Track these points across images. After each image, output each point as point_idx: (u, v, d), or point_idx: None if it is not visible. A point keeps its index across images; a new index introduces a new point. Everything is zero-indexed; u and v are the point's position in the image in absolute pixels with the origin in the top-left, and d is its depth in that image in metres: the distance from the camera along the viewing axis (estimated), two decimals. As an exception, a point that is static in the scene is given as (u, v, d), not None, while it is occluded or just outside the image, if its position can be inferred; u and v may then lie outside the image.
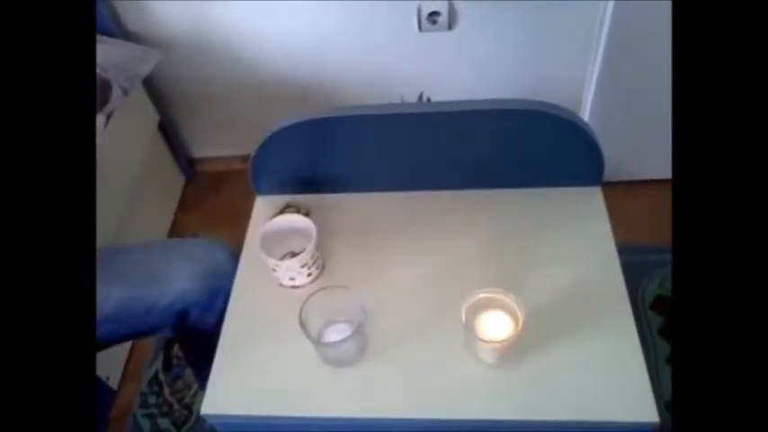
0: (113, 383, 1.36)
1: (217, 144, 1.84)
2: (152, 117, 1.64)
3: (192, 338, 0.96)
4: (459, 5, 1.41)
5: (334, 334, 0.75)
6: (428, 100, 1.61)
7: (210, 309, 0.90)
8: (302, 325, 0.71)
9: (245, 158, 1.76)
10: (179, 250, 0.93)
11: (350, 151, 0.91)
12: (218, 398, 0.74)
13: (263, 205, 0.96)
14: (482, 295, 0.71)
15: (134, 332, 0.93)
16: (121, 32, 1.48)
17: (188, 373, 1.38)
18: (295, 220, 0.85)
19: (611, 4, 1.28)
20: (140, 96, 1.56)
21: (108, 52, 1.35)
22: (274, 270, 0.82)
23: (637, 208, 1.56)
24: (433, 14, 1.42)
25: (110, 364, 1.37)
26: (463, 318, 0.70)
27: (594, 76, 1.43)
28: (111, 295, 0.86)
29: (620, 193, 1.47)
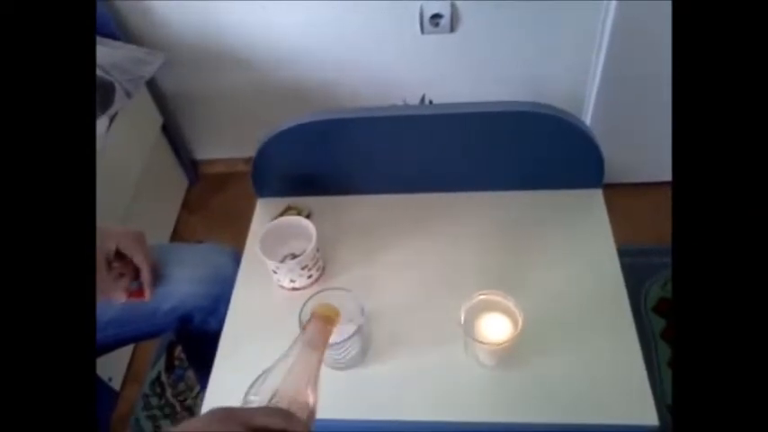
0: (116, 385, 1.37)
1: (220, 146, 1.85)
2: (155, 119, 1.65)
3: (195, 341, 0.96)
4: (461, 7, 1.41)
5: (335, 336, 0.74)
6: (430, 102, 1.61)
7: (214, 313, 0.91)
8: (302, 327, 0.71)
9: (248, 160, 1.76)
10: (182, 254, 0.93)
11: (351, 153, 0.91)
12: (219, 399, 0.74)
13: (264, 207, 0.96)
14: (481, 297, 0.71)
15: (137, 335, 0.93)
16: (124, 35, 1.49)
17: (190, 374, 1.39)
18: (296, 221, 0.85)
19: (613, 5, 1.28)
20: (144, 98, 1.57)
21: (111, 54, 1.36)
22: (275, 272, 0.82)
23: (640, 210, 1.55)
24: (436, 17, 1.42)
25: (112, 365, 1.37)
26: (462, 320, 0.70)
27: (597, 78, 1.43)
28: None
29: (624, 195, 1.47)
